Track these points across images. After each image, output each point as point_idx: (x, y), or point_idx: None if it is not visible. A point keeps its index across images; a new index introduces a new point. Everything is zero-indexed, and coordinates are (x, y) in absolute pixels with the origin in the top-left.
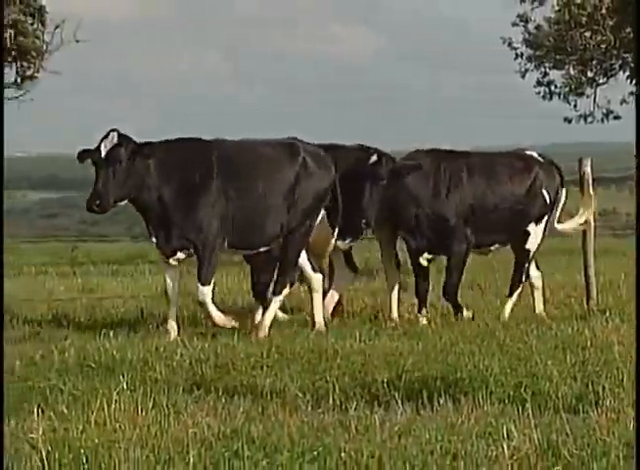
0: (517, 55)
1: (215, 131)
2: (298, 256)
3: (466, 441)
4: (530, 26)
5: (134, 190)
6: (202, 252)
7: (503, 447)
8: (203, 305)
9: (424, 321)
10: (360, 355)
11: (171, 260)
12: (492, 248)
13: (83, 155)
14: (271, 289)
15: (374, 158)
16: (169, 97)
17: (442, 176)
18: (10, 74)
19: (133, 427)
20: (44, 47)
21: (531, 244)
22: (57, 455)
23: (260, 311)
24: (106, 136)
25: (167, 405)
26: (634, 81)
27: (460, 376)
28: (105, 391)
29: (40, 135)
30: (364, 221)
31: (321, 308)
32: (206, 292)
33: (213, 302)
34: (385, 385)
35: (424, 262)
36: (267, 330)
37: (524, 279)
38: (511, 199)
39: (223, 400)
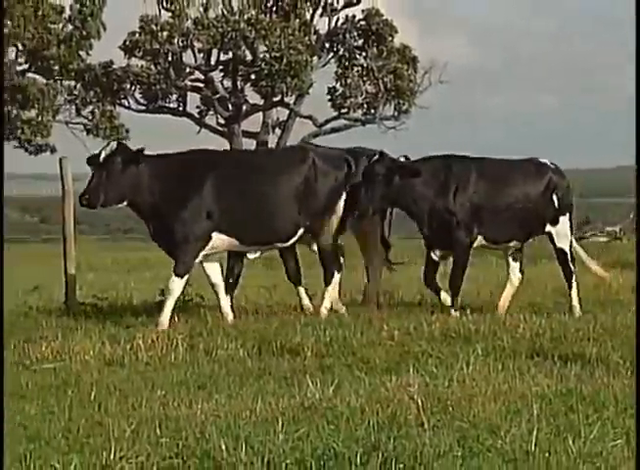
0: None
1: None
2: (332, 248)
3: None
4: None
5: (128, 194)
6: (178, 246)
7: None
8: (168, 294)
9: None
10: None
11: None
12: (511, 244)
13: (90, 160)
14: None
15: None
16: (514, 128)
17: (453, 177)
18: (389, 109)
19: (487, 385)
20: (416, 87)
21: (562, 243)
22: (429, 405)
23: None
24: (107, 145)
25: (513, 368)
26: None
27: None
28: (464, 355)
29: None
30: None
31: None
32: (178, 283)
33: None
34: None
35: (435, 258)
36: (327, 313)
37: (573, 270)
38: (524, 199)
39: (558, 365)
